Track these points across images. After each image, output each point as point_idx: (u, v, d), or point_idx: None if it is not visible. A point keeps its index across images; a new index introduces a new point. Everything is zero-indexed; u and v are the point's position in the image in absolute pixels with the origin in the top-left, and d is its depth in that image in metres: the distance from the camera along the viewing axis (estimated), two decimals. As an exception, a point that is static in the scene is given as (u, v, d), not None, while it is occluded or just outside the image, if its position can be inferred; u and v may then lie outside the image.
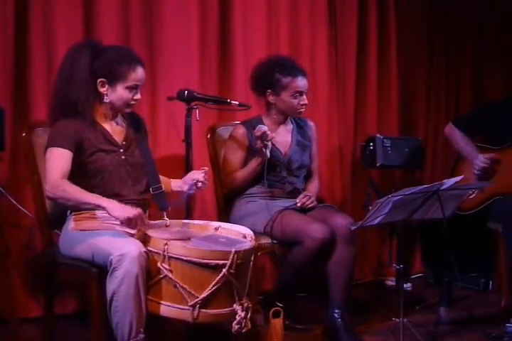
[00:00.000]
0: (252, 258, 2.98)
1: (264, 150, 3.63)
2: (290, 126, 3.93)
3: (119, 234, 2.96)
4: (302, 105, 3.81)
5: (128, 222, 2.86)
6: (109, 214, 2.89)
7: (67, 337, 3.57)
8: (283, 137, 3.84)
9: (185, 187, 3.25)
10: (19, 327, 3.56)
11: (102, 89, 3.10)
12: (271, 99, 3.82)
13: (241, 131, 3.83)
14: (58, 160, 2.99)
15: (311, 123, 4.02)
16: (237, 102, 3.63)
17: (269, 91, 3.80)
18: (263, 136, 3.61)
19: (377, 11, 4.91)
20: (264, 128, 3.63)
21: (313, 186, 3.94)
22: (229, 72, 4.39)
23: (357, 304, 4.03)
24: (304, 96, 3.80)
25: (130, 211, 2.87)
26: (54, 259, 3.20)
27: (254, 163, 3.73)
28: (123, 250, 2.77)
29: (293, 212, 3.67)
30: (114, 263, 2.77)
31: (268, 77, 3.79)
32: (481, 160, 4.06)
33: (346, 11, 4.80)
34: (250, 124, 3.83)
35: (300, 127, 3.96)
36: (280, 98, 3.80)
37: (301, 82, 3.79)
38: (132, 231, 2.97)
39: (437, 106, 5.25)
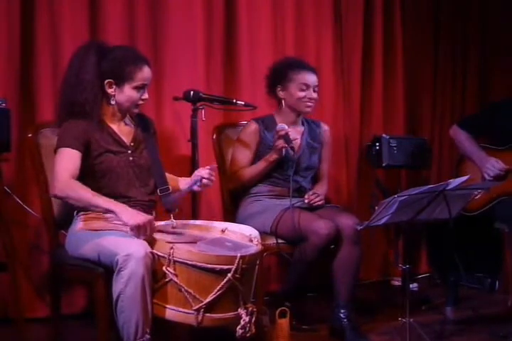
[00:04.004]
0: (258, 262, 2.97)
1: (283, 150, 3.66)
2: (301, 128, 3.94)
3: (126, 235, 2.95)
4: (310, 99, 3.82)
5: (137, 229, 2.85)
6: (119, 219, 2.89)
7: (73, 337, 3.59)
8: (293, 137, 3.80)
9: (191, 183, 3.25)
10: (26, 327, 3.56)
11: (109, 90, 3.10)
12: (281, 94, 3.85)
13: (253, 126, 3.85)
14: (68, 161, 2.99)
15: (325, 127, 4.04)
16: (242, 102, 3.64)
17: (279, 86, 3.85)
18: (286, 137, 3.63)
19: (383, 11, 4.91)
20: (286, 127, 3.66)
21: (321, 187, 3.94)
22: (235, 72, 4.40)
23: (363, 304, 4.03)
24: (311, 91, 3.82)
25: (141, 218, 2.86)
26: (61, 260, 3.21)
27: (266, 161, 3.74)
28: (129, 250, 2.77)
29: (298, 209, 3.67)
30: (120, 263, 2.77)
31: (278, 73, 3.86)
32: (494, 166, 4.04)
33: (352, 10, 4.80)
34: (263, 121, 3.87)
35: (312, 130, 3.97)
36: (288, 91, 3.83)
37: (308, 76, 3.82)
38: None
39: (443, 105, 5.25)
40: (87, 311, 3.91)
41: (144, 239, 2.86)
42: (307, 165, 3.89)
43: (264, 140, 3.83)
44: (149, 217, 2.91)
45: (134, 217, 2.87)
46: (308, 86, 3.82)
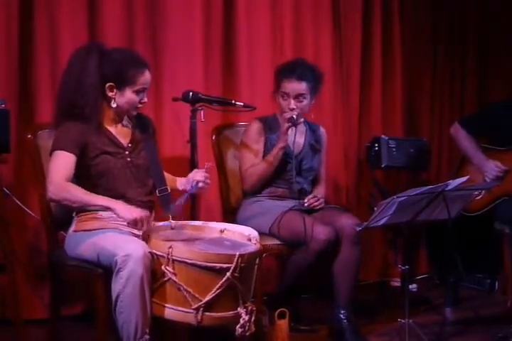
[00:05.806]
0: (257, 261, 2.97)
1: (287, 133, 3.65)
2: (303, 128, 3.89)
3: (124, 235, 2.97)
4: (290, 109, 3.73)
5: (134, 223, 2.88)
6: (115, 215, 2.91)
7: (72, 339, 3.58)
8: (296, 138, 3.75)
9: (188, 187, 3.24)
10: (24, 328, 3.55)
11: (110, 94, 3.10)
12: (277, 98, 3.83)
13: (257, 125, 3.84)
14: (62, 163, 2.99)
15: (323, 130, 4.02)
16: (241, 103, 3.64)
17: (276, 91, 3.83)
18: (292, 119, 3.63)
19: (381, 13, 4.91)
20: (295, 113, 3.66)
21: (321, 190, 3.94)
22: (233, 73, 4.39)
23: (362, 305, 4.02)
24: (291, 100, 3.73)
25: (136, 212, 2.90)
26: (60, 260, 3.21)
27: (273, 151, 3.71)
28: (128, 250, 2.78)
29: (298, 212, 3.66)
30: (119, 263, 2.78)
31: (275, 79, 3.83)
32: (493, 169, 4.04)
33: (350, 13, 4.80)
34: (266, 121, 3.85)
35: (313, 131, 3.96)
36: (277, 99, 3.82)
37: (289, 84, 3.73)
38: (138, 232, 2.99)
39: (442, 106, 5.25)
40: (86, 312, 3.91)
41: (142, 231, 2.92)
42: (310, 166, 3.88)
43: (269, 140, 3.81)
44: (145, 211, 2.94)
45: (131, 211, 2.90)
46: (288, 95, 3.74)
